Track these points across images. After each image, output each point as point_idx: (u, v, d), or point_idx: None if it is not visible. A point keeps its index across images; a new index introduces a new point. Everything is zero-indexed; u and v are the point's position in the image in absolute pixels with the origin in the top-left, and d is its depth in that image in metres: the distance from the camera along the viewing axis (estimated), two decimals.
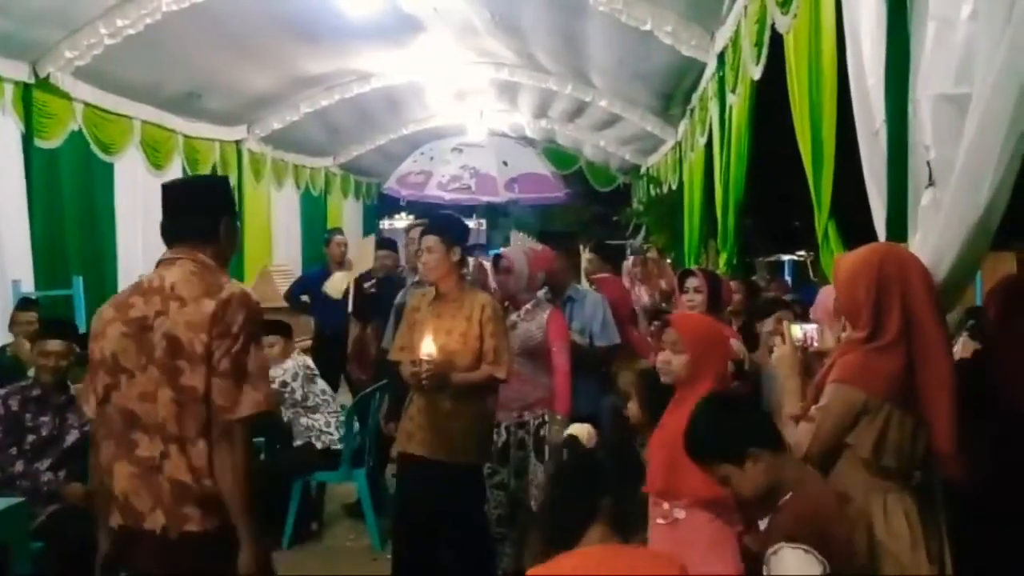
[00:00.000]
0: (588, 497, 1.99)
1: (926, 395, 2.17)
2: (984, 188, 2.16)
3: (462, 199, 9.12)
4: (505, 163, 9.31)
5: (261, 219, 9.93)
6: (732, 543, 2.43)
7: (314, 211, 11.64)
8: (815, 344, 2.50)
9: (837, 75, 3.26)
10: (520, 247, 4.27)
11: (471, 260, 4.60)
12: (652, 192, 10.62)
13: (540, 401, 3.98)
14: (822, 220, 3.44)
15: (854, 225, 3.45)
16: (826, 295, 2.80)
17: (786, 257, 9.46)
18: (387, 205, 14.14)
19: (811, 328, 2.50)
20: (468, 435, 3.57)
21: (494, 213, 11.09)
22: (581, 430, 2.58)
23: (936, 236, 2.35)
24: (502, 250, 4.22)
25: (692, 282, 3.69)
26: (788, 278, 9.69)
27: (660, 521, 2.52)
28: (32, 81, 6.15)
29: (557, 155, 12.85)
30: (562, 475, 2.25)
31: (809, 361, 2.47)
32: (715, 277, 3.74)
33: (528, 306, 4.08)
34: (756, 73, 4.66)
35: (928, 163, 2.34)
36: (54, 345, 3.54)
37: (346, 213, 13.00)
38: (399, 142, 11.99)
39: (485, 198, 8.40)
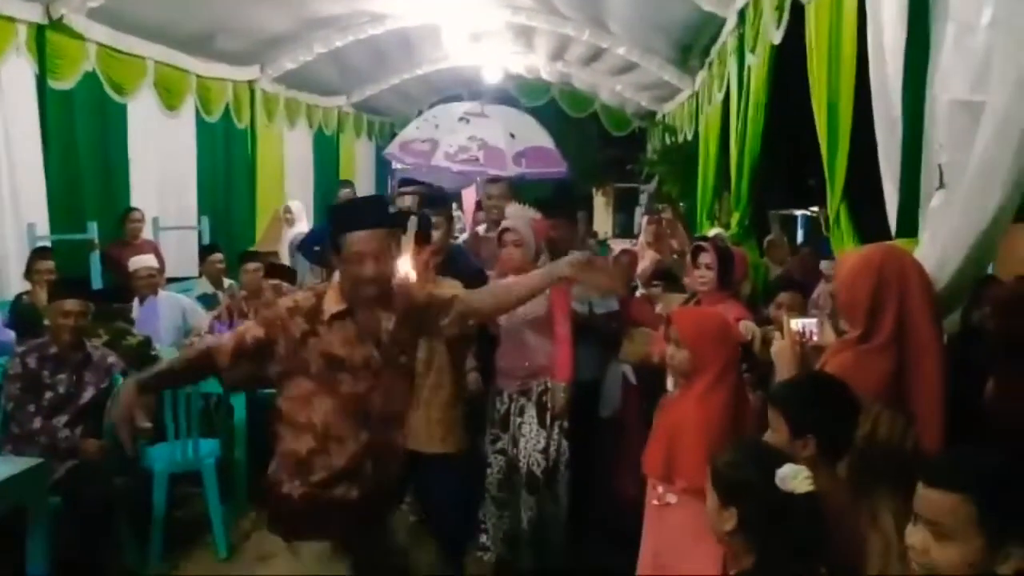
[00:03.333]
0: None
1: (916, 396, 2.22)
2: (994, 196, 2.18)
3: (470, 171, 9.06)
4: (512, 135, 9.22)
5: (274, 159, 9.89)
6: None
7: (327, 151, 11.58)
8: (814, 338, 2.52)
9: (856, 57, 3.23)
10: (523, 217, 4.18)
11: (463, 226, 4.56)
12: (667, 140, 10.53)
13: (543, 369, 4.00)
14: (835, 201, 3.43)
15: (866, 206, 3.45)
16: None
17: (799, 212, 9.39)
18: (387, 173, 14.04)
19: (811, 322, 2.53)
20: (438, 424, 3.62)
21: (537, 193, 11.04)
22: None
23: (944, 237, 2.37)
24: (508, 222, 4.11)
25: (704, 258, 3.69)
26: (800, 231, 9.67)
27: (654, 503, 2.60)
28: (46, 22, 6.08)
29: (572, 97, 12.72)
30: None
31: (807, 355, 2.50)
32: (727, 252, 3.72)
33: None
34: (776, 38, 4.60)
35: (940, 166, 2.34)
36: (72, 304, 3.59)
37: (358, 153, 12.93)
38: (413, 82, 11.86)
39: (493, 171, 8.33)
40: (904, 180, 2.74)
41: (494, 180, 5.56)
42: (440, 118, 9.65)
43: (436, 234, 4.06)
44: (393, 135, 11.46)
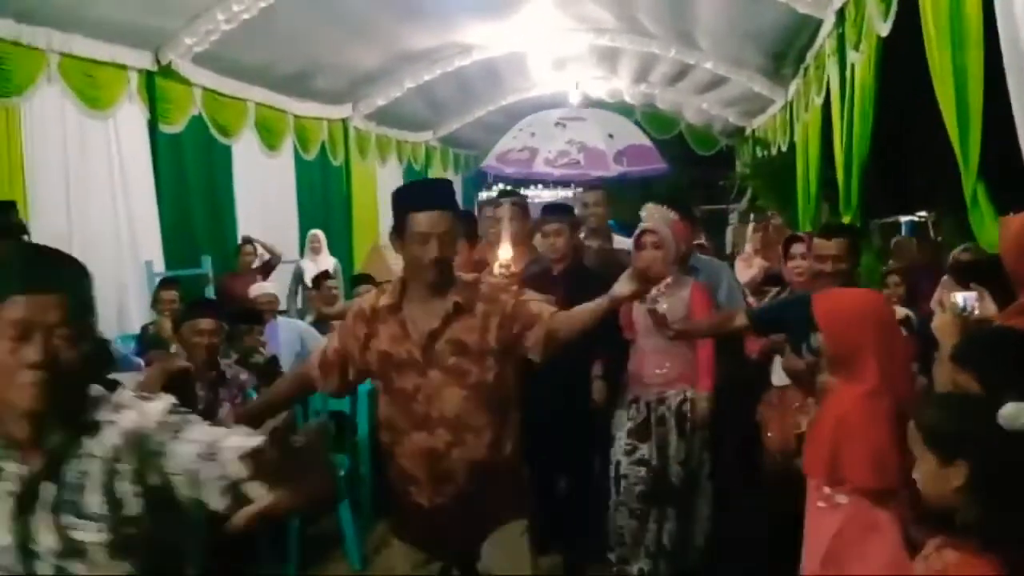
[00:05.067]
0: None
1: None
2: None
3: (572, 174, 8.99)
4: (611, 135, 9.14)
5: (368, 195, 10.13)
6: (894, 533, 2.35)
7: None
8: (976, 312, 2.40)
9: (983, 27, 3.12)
10: (664, 218, 4.03)
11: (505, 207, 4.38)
12: (759, 154, 10.37)
13: (681, 377, 3.85)
14: (970, 181, 3.29)
15: (1003, 185, 3.31)
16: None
17: (904, 218, 9.09)
18: (485, 177, 14.22)
19: (971, 296, 2.40)
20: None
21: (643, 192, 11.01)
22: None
23: None
24: (648, 224, 3.89)
25: (798, 248, 3.57)
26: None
27: (821, 504, 2.47)
28: (155, 69, 6.38)
29: (656, 119, 12.64)
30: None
31: (970, 328, 2.37)
32: None
33: (668, 280, 3.68)
34: (884, 30, 4.47)
35: None
36: (207, 324, 3.67)
37: None
38: (497, 113, 12.00)
39: (596, 173, 8.24)
40: None
41: (591, 188, 5.49)
42: (535, 126, 9.58)
43: (559, 241, 3.95)
44: (478, 168, 11.59)
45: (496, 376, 2.52)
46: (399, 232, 2.50)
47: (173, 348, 4.39)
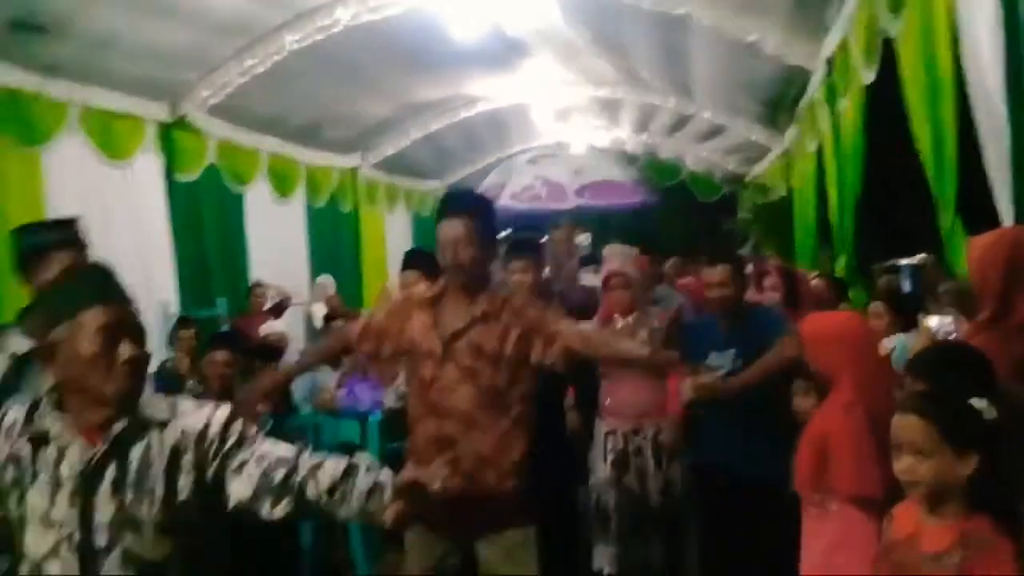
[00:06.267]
0: None
1: None
2: None
3: (532, 207, 9.31)
4: (577, 172, 9.44)
5: (376, 240, 10.34)
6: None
7: (426, 233, 12.01)
8: (952, 335, 2.53)
9: (954, 75, 3.31)
10: (626, 256, 4.22)
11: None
12: (758, 201, 10.57)
13: (655, 408, 3.98)
14: (948, 218, 3.46)
15: (977, 223, 3.47)
16: None
17: (904, 261, 9.20)
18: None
19: (946, 320, 2.55)
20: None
21: (604, 226, 11.22)
22: None
23: None
24: (614, 267, 4.04)
25: (768, 281, 3.71)
26: (908, 282, 9.44)
27: (813, 512, 2.60)
28: (171, 120, 6.62)
29: (659, 168, 12.85)
30: None
31: None
32: (790, 273, 3.75)
33: (636, 313, 3.96)
34: (868, 78, 4.68)
35: None
36: (222, 356, 3.84)
37: None
38: (502, 163, 12.27)
39: (553, 205, 8.54)
40: (1016, 186, 2.79)
41: (556, 224, 5.75)
42: (516, 163, 9.94)
43: (526, 279, 3.81)
44: None
45: (508, 381, 2.72)
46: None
47: (189, 384, 4.56)
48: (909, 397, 2.05)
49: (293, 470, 1.80)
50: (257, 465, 1.80)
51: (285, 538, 4.31)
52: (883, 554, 2.05)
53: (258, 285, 7.07)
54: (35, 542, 1.72)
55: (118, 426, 1.74)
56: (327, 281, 7.99)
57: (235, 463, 1.80)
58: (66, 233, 2.76)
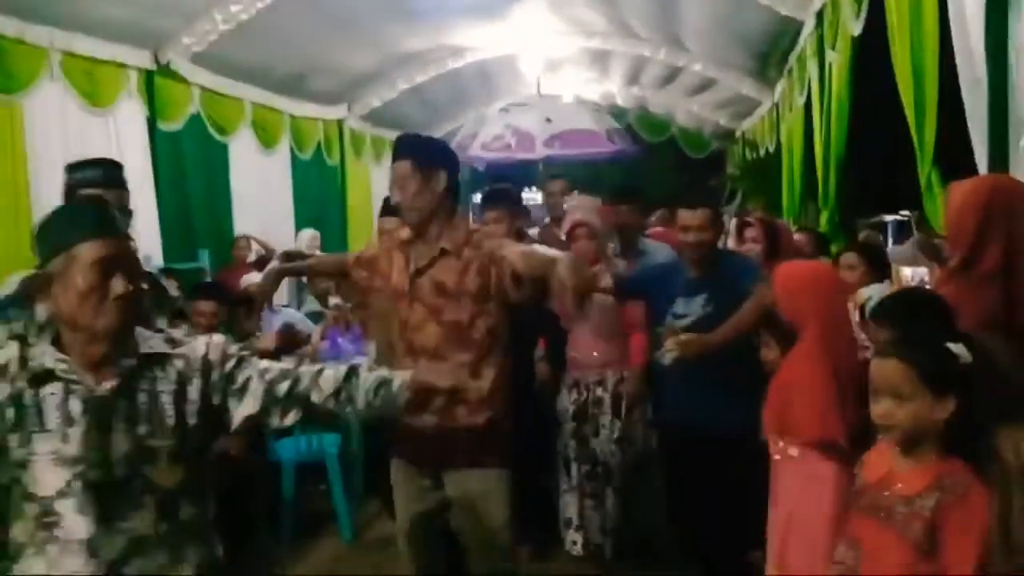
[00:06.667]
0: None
1: None
2: None
3: (499, 157, 9.22)
4: (548, 120, 9.27)
5: (362, 195, 10.29)
6: (840, 479, 2.47)
7: None
8: (926, 285, 2.54)
9: (939, 27, 3.30)
10: (591, 208, 4.12)
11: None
12: (748, 156, 10.54)
13: (621, 358, 3.99)
14: (925, 169, 3.47)
15: (957, 172, 3.48)
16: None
17: (889, 217, 9.23)
18: (478, 178, 14.35)
19: (921, 271, 2.56)
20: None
21: (595, 178, 11.16)
22: None
23: None
24: (578, 216, 4.00)
25: (749, 232, 3.71)
26: (891, 239, 9.49)
27: (777, 457, 2.64)
28: (154, 68, 6.54)
29: (649, 123, 12.78)
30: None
31: None
32: (773, 225, 3.75)
33: (600, 265, 3.92)
34: (856, 29, 4.66)
35: None
36: (207, 306, 3.84)
37: None
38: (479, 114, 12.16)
39: (522, 155, 8.46)
40: (992, 138, 2.79)
41: (554, 176, 5.73)
42: (489, 113, 9.87)
43: (498, 229, 3.77)
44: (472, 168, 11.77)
45: (471, 317, 2.75)
46: None
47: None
48: (889, 342, 2.06)
49: (296, 381, 1.92)
50: (260, 381, 1.90)
51: (267, 490, 4.38)
52: (856, 497, 2.08)
53: (242, 238, 7.04)
54: (44, 482, 1.70)
55: (128, 362, 1.77)
56: (311, 234, 7.96)
57: (238, 383, 1.89)
58: (113, 173, 2.95)
